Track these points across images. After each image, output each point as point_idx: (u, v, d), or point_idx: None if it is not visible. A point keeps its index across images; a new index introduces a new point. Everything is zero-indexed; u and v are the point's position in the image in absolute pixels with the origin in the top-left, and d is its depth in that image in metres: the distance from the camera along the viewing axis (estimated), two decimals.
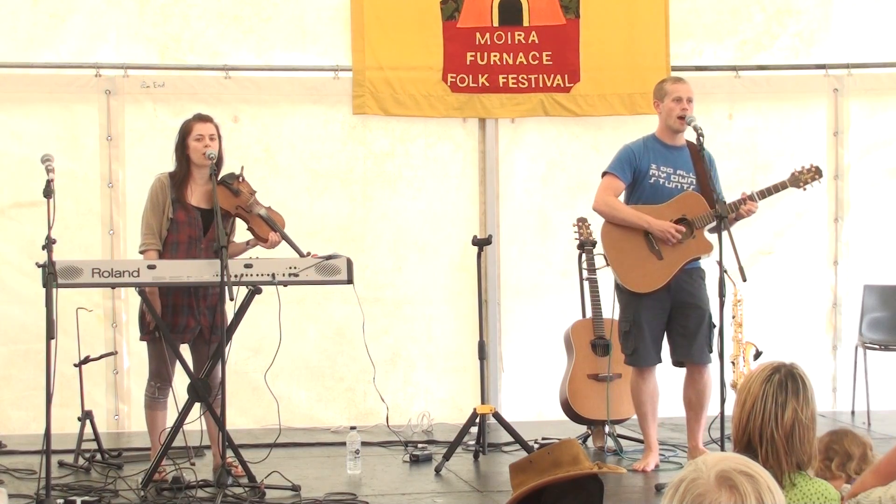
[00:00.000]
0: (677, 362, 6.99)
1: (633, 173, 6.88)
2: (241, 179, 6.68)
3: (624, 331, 6.94)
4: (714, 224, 6.62)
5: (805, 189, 6.97)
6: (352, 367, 8.37)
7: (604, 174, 6.99)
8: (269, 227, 6.64)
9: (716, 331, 6.66)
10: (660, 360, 6.97)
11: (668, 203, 6.84)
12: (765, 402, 3.31)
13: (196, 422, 6.60)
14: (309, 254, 6.51)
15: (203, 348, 6.63)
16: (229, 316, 6.52)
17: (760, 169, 8.60)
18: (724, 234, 6.45)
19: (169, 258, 6.50)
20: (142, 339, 6.71)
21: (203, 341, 6.62)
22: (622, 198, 6.95)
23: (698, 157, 6.80)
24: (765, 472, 2.20)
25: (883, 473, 4.15)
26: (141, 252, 6.62)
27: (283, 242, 6.62)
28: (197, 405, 6.51)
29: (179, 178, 6.62)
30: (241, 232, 6.82)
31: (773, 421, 3.30)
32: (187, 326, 6.59)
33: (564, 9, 8.59)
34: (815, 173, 6.92)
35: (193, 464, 6.67)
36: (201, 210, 6.61)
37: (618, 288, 6.96)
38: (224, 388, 6.18)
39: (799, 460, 3.33)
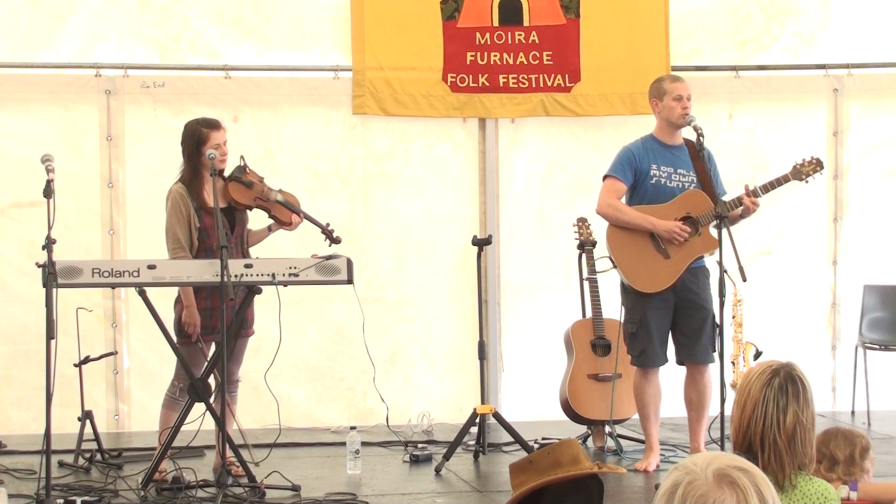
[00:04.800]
0: (680, 361, 6.99)
1: (635, 174, 6.88)
2: (247, 171, 6.71)
3: (630, 332, 6.92)
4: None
5: (807, 181, 6.97)
6: (352, 367, 8.37)
7: (605, 177, 6.98)
8: (289, 211, 6.66)
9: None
10: (666, 360, 6.97)
11: (672, 202, 6.84)
12: (765, 406, 3.30)
13: (196, 422, 6.60)
14: (328, 224, 6.49)
15: (230, 343, 6.62)
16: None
17: (760, 169, 8.59)
18: (725, 233, 6.46)
19: None
20: (179, 342, 6.65)
21: (230, 337, 6.61)
22: (624, 199, 6.95)
23: (697, 156, 6.80)
24: (753, 465, 2.21)
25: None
26: None
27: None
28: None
29: (195, 186, 6.62)
30: (257, 219, 6.85)
31: (776, 425, 3.29)
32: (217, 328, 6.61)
33: (564, 9, 8.59)
34: (817, 165, 6.94)
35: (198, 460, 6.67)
36: (223, 210, 6.59)
37: (624, 289, 6.95)
38: (224, 388, 6.18)
39: (800, 462, 3.33)
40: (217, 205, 6.35)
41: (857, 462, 4.62)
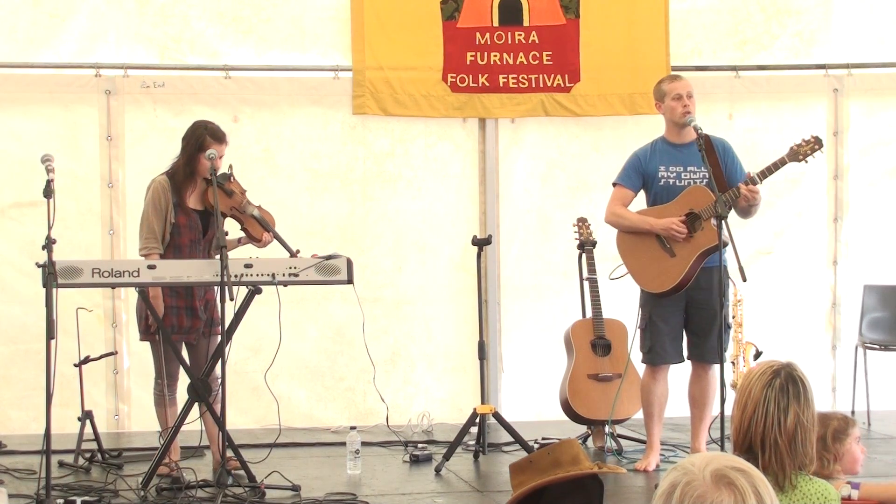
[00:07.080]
0: (689, 358, 6.99)
1: (643, 179, 6.90)
2: (231, 179, 6.73)
3: (640, 329, 6.96)
4: (730, 210, 6.61)
5: (806, 161, 6.82)
6: (352, 367, 8.37)
7: (613, 185, 7.01)
8: (262, 228, 6.69)
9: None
10: (680, 360, 6.96)
11: (675, 200, 6.84)
12: (766, 407, 3.30)
13: (196, 422, 6.61)
14: (298, 252, 6.54)
15: (202, 343, 6.70)
16: (229, 315, 6.54)
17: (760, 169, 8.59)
18: (724, 233, 6.45)
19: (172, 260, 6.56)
20: (142, 339, 6.79)
21: (203, 336, 6.71)
22: (644, 203, 6.96)
23: (711, 149, 6.75)
24: (752, 466, 2.21)
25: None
26: (142, 255, 6.67)
27: (274, 241, 6.71)
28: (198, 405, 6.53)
29: (181, 182, 6.65)
30: (230, 229, 6.87)
31: (777, 426, 3.29)
32: (192, 327, 6.70)
33: (564, 9, 8.59)
34: (815, 143, 6.74)
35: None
36: (199, 212, 6.69)
37: (641, 289, 6.97)
38: (224, 387, 6.18)
39: (800, 462, 3.33)
40: (217, 206, 6.37)
41: (830, 447, 4.31)
